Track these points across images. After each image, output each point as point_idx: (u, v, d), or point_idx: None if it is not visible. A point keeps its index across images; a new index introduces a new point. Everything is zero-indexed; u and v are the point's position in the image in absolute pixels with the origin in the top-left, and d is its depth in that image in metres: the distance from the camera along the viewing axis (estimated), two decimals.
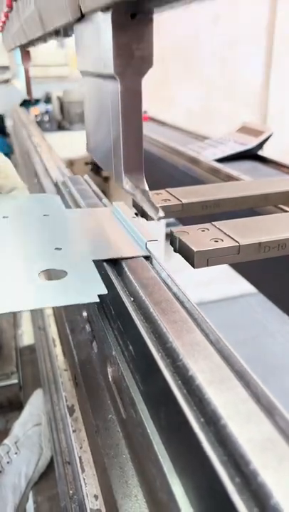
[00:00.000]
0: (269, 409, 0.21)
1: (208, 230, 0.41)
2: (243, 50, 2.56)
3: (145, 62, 0.34)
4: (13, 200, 0.55)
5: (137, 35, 0.32)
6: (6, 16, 0.85)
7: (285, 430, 0.20)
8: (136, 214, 0.43)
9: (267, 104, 2.64)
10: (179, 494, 0.22)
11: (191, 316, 0.29)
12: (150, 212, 0.34)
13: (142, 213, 0.47)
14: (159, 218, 0.34)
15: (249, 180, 0.77)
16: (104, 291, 0.33)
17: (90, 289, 0.33)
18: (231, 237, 0.40)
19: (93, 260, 0.38)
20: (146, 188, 0.37)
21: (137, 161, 0.37)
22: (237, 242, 0.39)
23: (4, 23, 1.00)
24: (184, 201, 0.50)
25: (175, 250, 0.41)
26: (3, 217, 0.48)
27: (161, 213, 0.34)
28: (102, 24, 0.34)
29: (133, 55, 0.33)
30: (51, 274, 0.37)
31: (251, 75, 2.62)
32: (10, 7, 0.80)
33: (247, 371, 0.23)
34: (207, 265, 0.38)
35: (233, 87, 2.61)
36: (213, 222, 0.43)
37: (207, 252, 0.38)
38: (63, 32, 0.53)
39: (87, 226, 0.46)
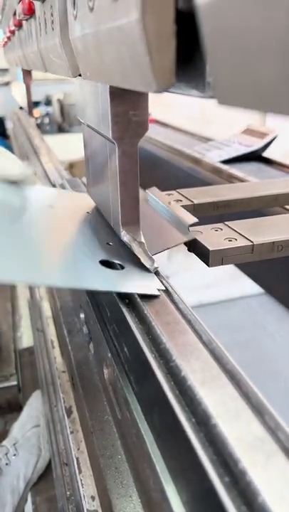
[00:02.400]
0: (258, 409, 0.21)
1: (221, 229, 0.42)
2: None
3: (141, 127, 0.35)
4: (49, 190, 0.54)
5: (134, 103, 0.34)
6: (12, 32, 0.84)
7: (273, 429, 0.20)
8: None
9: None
10: (172, 494, 0.23)
11: (185, 317, 0.29)
12: (146, 262, 0.36)
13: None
14: (155, 269, 0.36)
15: (258, 181, 0.78)
16: (160, 286, 0.34)
17: (147, 282, 0.34)
18: (245, 237, 0.40)
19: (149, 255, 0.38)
20: (143, 240, 0.39)
21: (134, 215, 0.39)
22: (251, 241, 0.40)
23: (9, 39, 0.99)
24: (196, 201, 0.51)
25: (189, 250, 0.42)
26: (49, 206, 0.48)
27: (156, 264, 0.36)
28: (101, 90, 0.35)
29: (130, 121, 0.35)
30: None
31: None
32: (18, 25, 0.79)
33: (238, 371, 0.24)
34: (222, 264, 0.40)
35: None
36: (226, 222, 0.44)
37: (222, 252, 0.39)
38: None
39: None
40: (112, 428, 0.37)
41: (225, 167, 0.95)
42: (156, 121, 1.78)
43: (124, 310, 0.32)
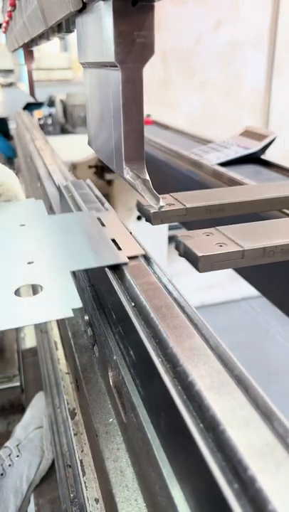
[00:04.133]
0: (267, 414, 0.21)
1: (212, 234, 0.42)
2: (246, 55, 2.57)
3: (146, 50, 0.33)
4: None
5: (138, 23, 0.32)
6: (10, 16, 0.85)
7: (283, 436, 0.20)
8: (139, 217, 0.43)
9: (269, 108, 2.64)
10: (179, 499, 0.23)
11: (191, 321, 0.29)
12: (151, 201, 0.34)
13: (146, 218, 0.47)
14: (160, 208, 0.34)
15: (253, 185, 0.77)
16: (79, 304, 0.32)
17: (65, 304, 0.32)
18: (235, 242, 0.40)
19: (71, 271, 0.37)
20: (147, 177, 0.37)
21: (138, 149, 0.37)
22: (241, 246, 0.39)
23: (8, 23, 1.00)
24: (188, 205, 0.50)
25: (180, 255, 0.41)
26: None
27: (162, 203, 0.34)
28: (103, 13, 0.33)
29: (134, 42, 0.33)
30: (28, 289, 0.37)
31: (253, 79, 2.63)
32: (13, 5, 0.80)
33: (246, 376, 0.23)
34: (212, 269, 0.39)
35: (235, 92, 2.62)
36: (217, 227, 0.43)
37: (212, 257, 0.38)
38: (65, 27, 0.53)
39: (67, 233, 0.45)
40: (117, 431, 0.36)
41: (222, 170, 0.94)
42: (156, 123, 1.77)
43: (130, 313, 0.31)
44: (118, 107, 0.35)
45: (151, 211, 0.44)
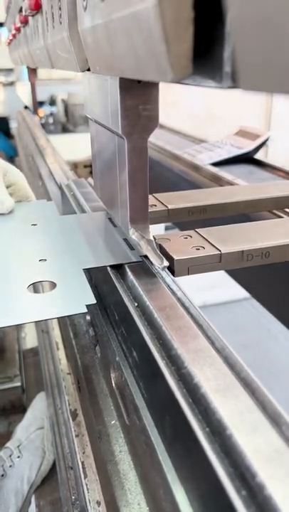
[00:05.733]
0: (275, 419, 0.20)
1: (190, 237, 0.41)
2: None
3: (151, 122, 0.35)
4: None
5: (144, 97, 0.34)
6: (18, 30, 0.83)
7: None
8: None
9: (271, 107, 2.64)
10: (183, 504, 0.22)
11: (196, 322, 0.29)
12: (155, 261, 0.35)
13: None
14: (163, 268, 0.35)
15: (239, 186, 0.76)
16: (92, 300, 0.33)
17: (78, 300, 0.33)
18: (213, 245, 0.39)
19: (84, 269, 0.37)
20: (152, 237, 0.38)
21: (143, 212, 0.38)
22: (219, 250, 0.38)
23: (14, 36, 0.98)
24: (170, 207, 0.49)
25: None
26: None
27: (166, 263, 0.35)
28: (110, 84, 0.35)
29: (140, 116, 0.34)
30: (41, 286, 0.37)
31: None
32: (24, 22, 0.78)
33: (253, 379, 0.23)
34: (188, 274, 0.38)
35: (236, 91, 2.61)
36: (196, 229, 0.42)
37: (187, 261, 0.37)
38: None
39: (80, 232, 0.46)
40: (119, 433, 0.36)
41: (214, 170, 0.93)
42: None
43: (133, 313, 0.31)
44: (124, 173, 0.37)
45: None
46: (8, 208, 0.51)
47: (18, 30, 0.79)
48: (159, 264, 0.35)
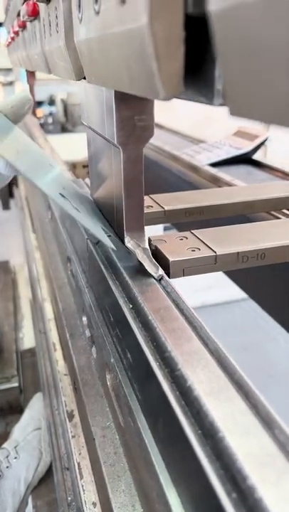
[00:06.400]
0: (268, 422, 0.20)
1: (186, 238, 0.41)
2: None
3: (146, 132, 0.35)
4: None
5: (139, 108, 0.34)
6: (16, 33, 0.83)
7: (284, 444, 0.19)
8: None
9: None
10: (176, 507, 0.22)
11: (190, 323, 0.29)
12: (150, 269, 0.35)
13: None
14: (159, 276, 0.35)
15: (236, 187, 0.76)
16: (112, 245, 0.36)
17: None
18: (209, 247, 0.39)
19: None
20: (147, 246, 0.38)
21: (138, 220, 0.38)
22: (214, 251, 0.38)
23: (13, 39, 0.97)
24: (167, 208, 0.49)
25: (155, 259, 0.41)
26: None
27: (161, 271, 0.35)
28: (106, 95, 0.35)
29: (135, 126, 0.34)
30: None
31: None
32: (22, 26, 0.78)
33: (246, 381, 0.23)
34: (183, 275, 0.38)
35: None
36: (192, 231, 0.42)
37: (183, 262, 0.37)
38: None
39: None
40: (114, 435, 0.36)
41: (213, 170, 0.93)
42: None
43: (128, 315, 0.31)
44: (119, 182, 0.37)
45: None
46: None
47: (16, 33, 0.79)
48: (154, 272, 0.35)
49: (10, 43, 1.06)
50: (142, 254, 0.36)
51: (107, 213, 0.45)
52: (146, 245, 0.38)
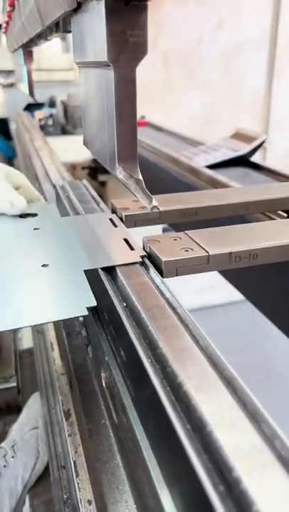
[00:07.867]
0: (255, 416, 0.21)
1: (180, 238, 0.41)
2: (246, 57, 2.57)
3: (139, 49, 0.33)
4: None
5: (131, 22, 0.32)
6: (9, 16, 0.85)
7: (270, 437, 0.20)
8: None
9: (269, 110, 2.65)
10: (166, 501, 0.22)
11: (182, 321, 0.29)
12: (144, 201, 0.34)
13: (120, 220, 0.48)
14: (152, 207, 0.34)
15: (231, 188, 0.77)
16: (93, 303, 0.33)
17: (79, 302, 0.33)
18: (202, 247, 0.39)
19: (85, 270, 0.38)
20: (140, 177, 0.36)
21: (131, 149, 0.37)
22: (207, 251, 0.39)
23: (7, 23, 1.00)
24: (162, 209, 0.50)
25: (150, 259, 0.41)
26: None
27: (155, 202, 0.34)
28: (96, 12, 0.33)
29: (127, 42, 0.32)
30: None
31: (254, 81, 2.63)
32: (12, 5, 0.80)
33: (235, 377, 0.23)
34: (176, 275, 0.38)
35: (236, 93, 2.62)
36: (186, 231, 0.42)
37: (176, 262, 0.38)
38: (62, 27, 0.53)
39: (81, 234, 0.46)
40: (108, 432, 0.36)
41: (210, 172, 0.94)
42: (150, 125, 1.75)
43: (122, 313, 0.31)
44: (111, 106, 0.35)
45: (124, 214, 0.46)
46: (21, 209, 0.51)
47: (9, 16, 0.81)
48: (147, 203, 0.34)
49: (6, 28, 1.10)
50: (134, 186, 0.36)
51: (100, 152, 0.43)
52: (139, 176, 0.36)
